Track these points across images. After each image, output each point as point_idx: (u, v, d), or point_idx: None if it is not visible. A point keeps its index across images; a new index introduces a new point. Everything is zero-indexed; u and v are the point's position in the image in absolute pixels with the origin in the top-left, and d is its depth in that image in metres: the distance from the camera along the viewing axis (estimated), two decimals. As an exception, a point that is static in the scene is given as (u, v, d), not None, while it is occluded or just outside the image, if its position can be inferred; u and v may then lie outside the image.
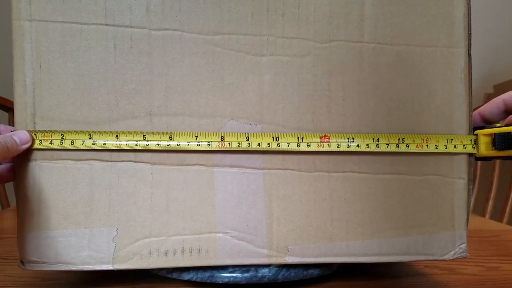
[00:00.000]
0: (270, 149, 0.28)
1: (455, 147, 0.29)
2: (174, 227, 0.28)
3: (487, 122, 0.31)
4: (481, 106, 0.31)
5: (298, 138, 0.28)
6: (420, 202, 0.30)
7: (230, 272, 0.29)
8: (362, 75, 0.29)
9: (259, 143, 0.28)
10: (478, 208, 0.84)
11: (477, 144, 0.30)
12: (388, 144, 0.29)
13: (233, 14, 0.28)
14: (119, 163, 0.28)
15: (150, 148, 0.27)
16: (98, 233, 0.27)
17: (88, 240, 0.27)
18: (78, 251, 0.27)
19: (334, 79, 0.29)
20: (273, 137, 0.28)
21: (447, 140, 0.29)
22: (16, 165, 0.27)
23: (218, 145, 0.28)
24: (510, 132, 0.29)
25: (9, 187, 0.88)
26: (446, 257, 0.30)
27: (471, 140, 0.30)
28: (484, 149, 0.29)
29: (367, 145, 0.29)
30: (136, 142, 0.27)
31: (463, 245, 0.30)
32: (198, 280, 0.29)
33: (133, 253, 0.27)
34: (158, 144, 0.27)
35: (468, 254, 0.30)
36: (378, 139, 0.29)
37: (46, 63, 0.27)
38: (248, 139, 0.28)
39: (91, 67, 0.27)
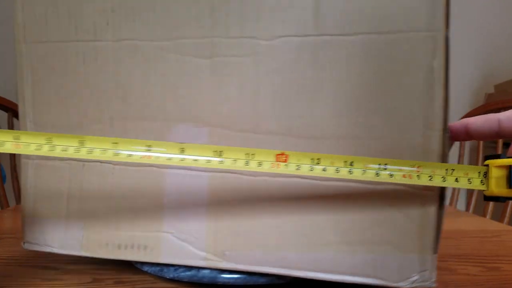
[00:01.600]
0: (209, 166, 0.24)
1: (456, 180, 0.23)
2: (128, 224, 0.30)
3: (471, 138, 0.26)
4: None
5: (248, 154, 0.24)
6: (376, 215, 0.26)
7: (176, 269, 0.30)
8: (317, 72, 0.26)
9: (196, 159, 0.24)
10: (479, 208, 0.84)
11: (487, 179, 0.23)
12: (364, 170, 0.23)
13: (180, 19, 0.28)
14: (90, 163, 0.31)
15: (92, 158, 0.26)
16: (72, 223, 0.31)
17: (65, 229, 0.31)
18: (58, 237, 0.31)
19: (282, 77, 0.27)
20: (215, 151, 0.24)
21: (446, 170, 0.23)
22: (21, 162, 0.32)
23: (142, 157, 0.25)
24: None
25: (9, 187, 0.88)
26: (401, 284, 0.25)
27: (479, 172, 0.23)
28: (495, 185, 0.23)
29: (336, 169, 0.24)
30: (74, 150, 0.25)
31: (426, 273, 0.25)
32: (151, 272, 0.31)
33: (95, 244, 0.30)
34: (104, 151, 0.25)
35: (435, 285, 0.25)
36: (352, 162, 0.24)
37: (38, 79, 0.31)
38: (184, 150, 0.25)
39: (68, 79, 0.30)
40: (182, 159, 0.24)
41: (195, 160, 0.24)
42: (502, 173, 0.23)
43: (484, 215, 0.78)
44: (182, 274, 0.30)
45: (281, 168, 0.24)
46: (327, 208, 0.27)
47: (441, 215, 0.25)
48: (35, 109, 0.31)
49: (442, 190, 0.25)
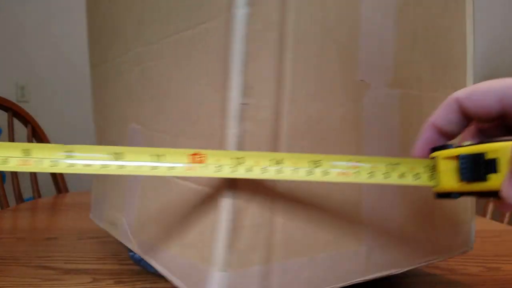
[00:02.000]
0: (107, 171, 0.20)
1: (401, 176, 0.20)
2: (113, 205, 0.35)
3: (448, 137, 0.21)
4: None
5: (156, 155, 0.20)
6: (188, 213, 0.23)
7: (129, 250, 0.33)
8: (174, 73, 0.26)
9: (87, 164, 0.19)
10: (479, 208, 0.84)
11: (437, 173, 0.20)
12: (296, 169, 0.20)
13: (127, 34, 0.31)
14: None
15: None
16: (101, 203, 0.39)
17: (101, 206, 0.39)
18: (99, 213, 0.39)
19: (165, 79, 0.26)
20: (115, 153, 0.19)
21: (389, 165, 0.20)
22: None
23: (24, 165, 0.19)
24: (481, 154, 0.18)
25: (9, 187, 0.88)
26: None
27: (427, 166, 0.20)
28: (447, 180, 0.19)
29: (263, 168, 0.19)
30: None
31: None
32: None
33: (107, 220, 0.37)
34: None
35: None
36: (282, 160, 0.20)
37: (102, 97, 0.39)
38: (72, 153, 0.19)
39: (106, 93, 0.37)
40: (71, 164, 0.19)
41: (88, 164, 0.19)
42: (452, 165, 0.19)
43: (484, 215, 0.78)
44: (130, 253, 0.35)
45: (198, 171, 0.19)
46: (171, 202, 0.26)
47: (234, 225, 0.20)
48: (94, 112, 0.41)
49: (228, 187, 0.20)
